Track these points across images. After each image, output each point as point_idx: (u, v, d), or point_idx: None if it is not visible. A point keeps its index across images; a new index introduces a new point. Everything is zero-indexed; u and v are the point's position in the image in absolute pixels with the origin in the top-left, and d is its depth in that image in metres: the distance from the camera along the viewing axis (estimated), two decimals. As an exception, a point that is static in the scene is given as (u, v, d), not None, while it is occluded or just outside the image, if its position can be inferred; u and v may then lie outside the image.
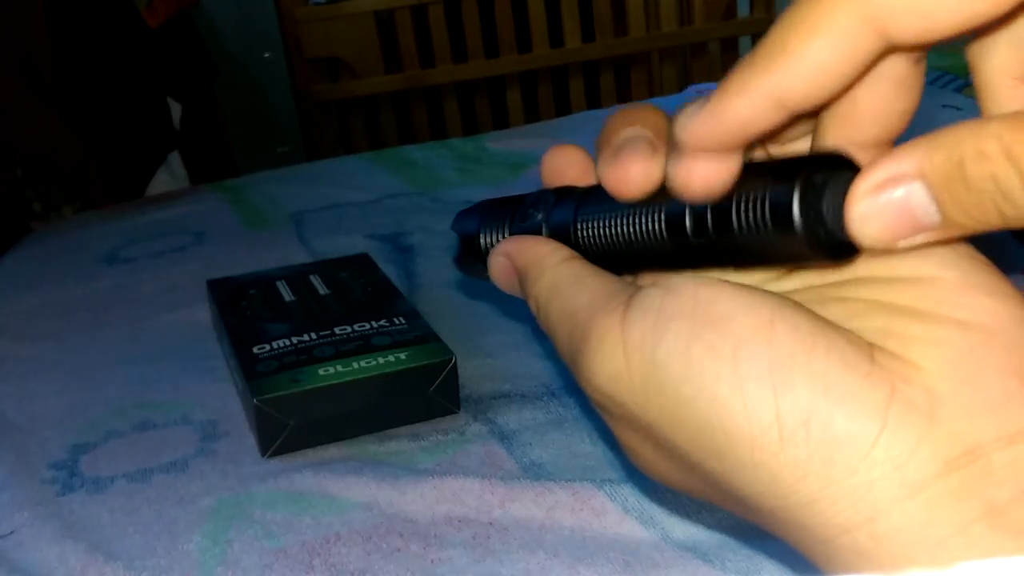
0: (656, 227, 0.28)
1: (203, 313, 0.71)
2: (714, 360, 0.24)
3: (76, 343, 0.70)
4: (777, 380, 0.23)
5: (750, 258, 0.26)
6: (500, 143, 1.08)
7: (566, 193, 0.33)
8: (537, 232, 0.33)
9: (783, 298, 0.25)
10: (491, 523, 0.46)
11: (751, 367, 0.23)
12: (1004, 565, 0.19)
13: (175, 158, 1.56)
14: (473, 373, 0.59)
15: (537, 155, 1.00)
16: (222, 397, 0.59)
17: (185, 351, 0.66)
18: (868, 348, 0.23)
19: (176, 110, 1.58)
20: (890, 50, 0.23)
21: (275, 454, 0.53)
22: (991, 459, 0.22)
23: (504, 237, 0.35)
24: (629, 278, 0.31)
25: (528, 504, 0.46)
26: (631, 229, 0.29)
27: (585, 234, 0.31)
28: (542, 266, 0.31)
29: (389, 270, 0.73)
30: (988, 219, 0.21)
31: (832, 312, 0.25)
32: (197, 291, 0.71)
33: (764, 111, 0.23)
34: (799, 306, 0.24)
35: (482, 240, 0.36)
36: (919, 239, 0.23)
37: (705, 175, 0.25)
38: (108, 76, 1.45)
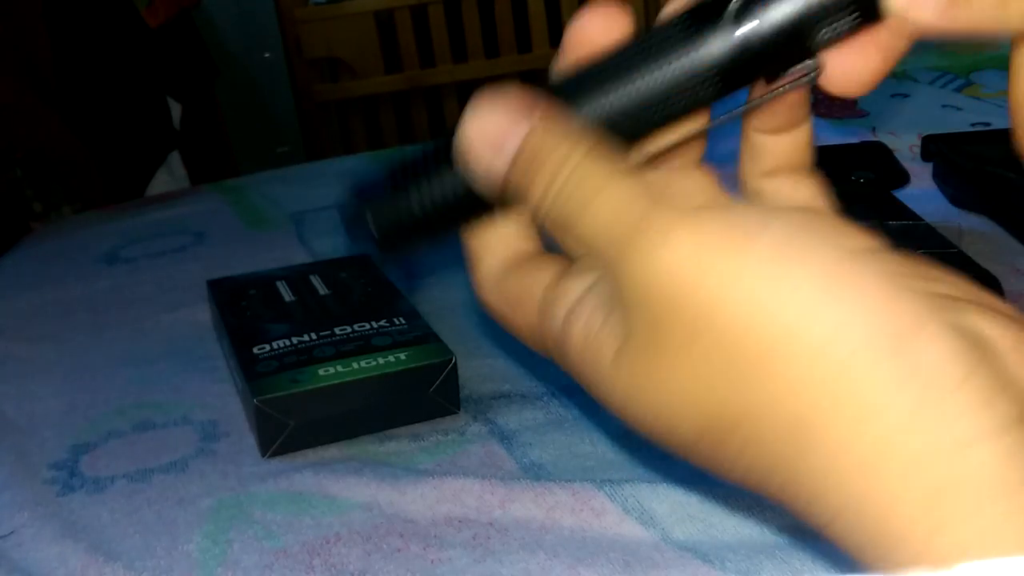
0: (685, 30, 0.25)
1: (203, 313, 0.71)
2: (816, 263, 0.23)
3: (76, 343, 0.70)
4: (886, 293, 0.22)
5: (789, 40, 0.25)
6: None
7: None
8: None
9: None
10: (491, 523, 0.46)
11: (861, 273, 0.23)
12: (1004, 565, 0.19)
13: (175, 158, 1.56)
14: (473, 373, 0.59)
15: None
16: (222, 397, 0.59)
17: (185, 351, 0.66)
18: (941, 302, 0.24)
19: (176, 110, 1.58)
20: None
21: (275, 454, 0.53)
22: None
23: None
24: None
25: (528, 504, 0.46)
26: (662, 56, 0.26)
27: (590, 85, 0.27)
28: (561, 137, 0.26)
29: (389, 270, 0.73)
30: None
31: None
32: (197, 291, 0.71)
33: None
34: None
35: (414, 198, 0.28)
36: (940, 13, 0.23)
37: None
38: (108, 76, 1.45)
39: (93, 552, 0.46)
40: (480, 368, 0.60)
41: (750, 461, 0.24)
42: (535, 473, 0.50)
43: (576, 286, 0.28)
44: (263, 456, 0.53)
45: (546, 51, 1.98)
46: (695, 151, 0.31)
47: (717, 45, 0.25)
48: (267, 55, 2.16)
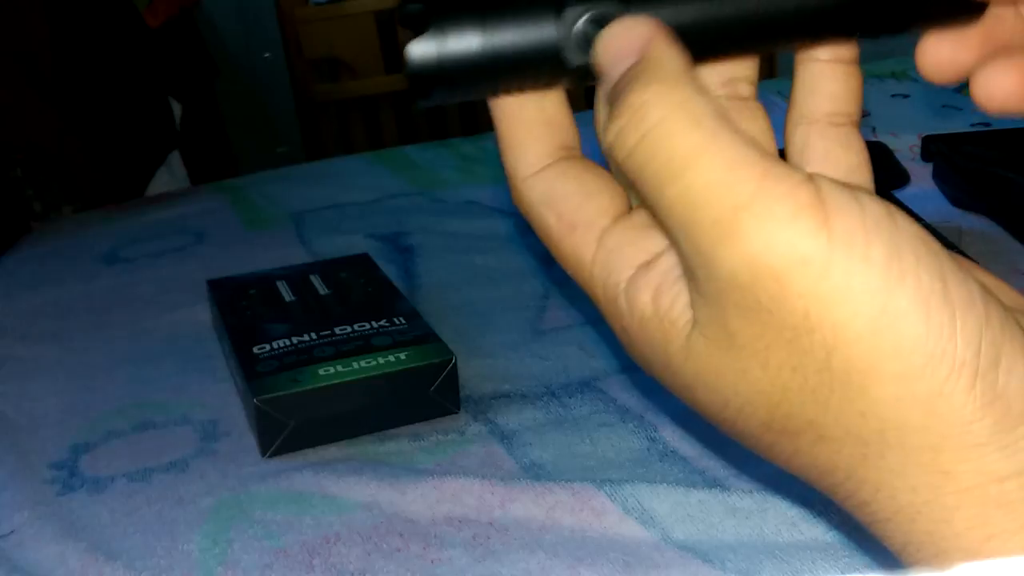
0: None
1: (203, 313, 0.71)
2: (930, 276, 0.22)
3: (76, 343, 0.70)
4: (980, 313, 0.22)
5: None
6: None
7: None
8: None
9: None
10: (491, 523, 0.46)
11: (961, 295, 0.22)
12: (1004, 565, 0.19)
13: (175, 158, 1.56)
14: (473, 373, 0.59)
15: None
16: (222, 397, 0.59)
17: (185, 351, 0.66)
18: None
19: (176, 110, 1.58)
20: None
21: (275, 454, 0.53)
22: None
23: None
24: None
25: (528, 504, 0.46)
26: None
27: None
28: (674, 81, 0.23)
29: (389, 270, 0.73)
30: None
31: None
32: (197, 291, 0.71)
33: None
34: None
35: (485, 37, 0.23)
36: None
37: None
38: (109, 76, 1.45)
39: (93, 552, 0.46)
40: (480, 368, 0.60)
41: (814, 458, 0.24)
42: (535, 473, 0.50)
43: (643, 245, 0.26)
44: (263, 456, 0.53)
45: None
46: (748, 79, 0.29)
47: None
48: (267, 55, 2.16)
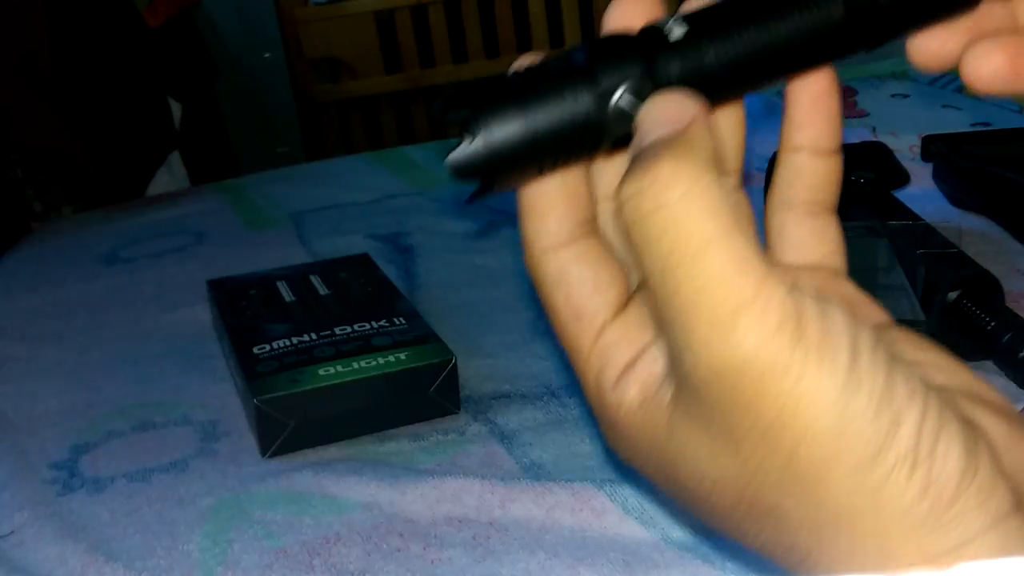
0: None
1: (203, 313, 0.71)
2: (881, 378, 0.24)
3: (76, 343, 0.70)
4: (920, 409, 0.24)
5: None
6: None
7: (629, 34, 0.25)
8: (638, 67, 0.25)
9: None
10: (491, 523, 0.46)
11: (903, 394, 0.24)
12: (1003, 565, 0.20)
13: (175, 158, 1.56)
14: (473, 373, 0.59)
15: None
16: (222, 397, 0.59)
17: (185, 351, 0.66)
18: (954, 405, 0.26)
19: (176, 110, 1.58)
20: None
21: (275, 454, 0.53)
22: None
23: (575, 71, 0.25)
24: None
25: (528, 504, 0.46)
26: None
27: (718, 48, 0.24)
28: (698, 161, 0.23)
29: (389, 270, 0.73)
30: None
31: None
32: (197, 291, 0.71)
33: None
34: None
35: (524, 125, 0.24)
36: None
37: None
38: (108, 76, 1.45)
39: (93, 552, 0.46)
40: (480, 368, 0.60)
41: (776, 538, 0.26)
42: (535, 473, 0.50)
43: (634, 340, 0.28)
44: (263, 456, 0.53)
45: (546, 51, 1.98)
46: (735, 170, 0.30)
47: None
48: (267, 55, 2.16)
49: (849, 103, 1.08)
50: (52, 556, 0.46)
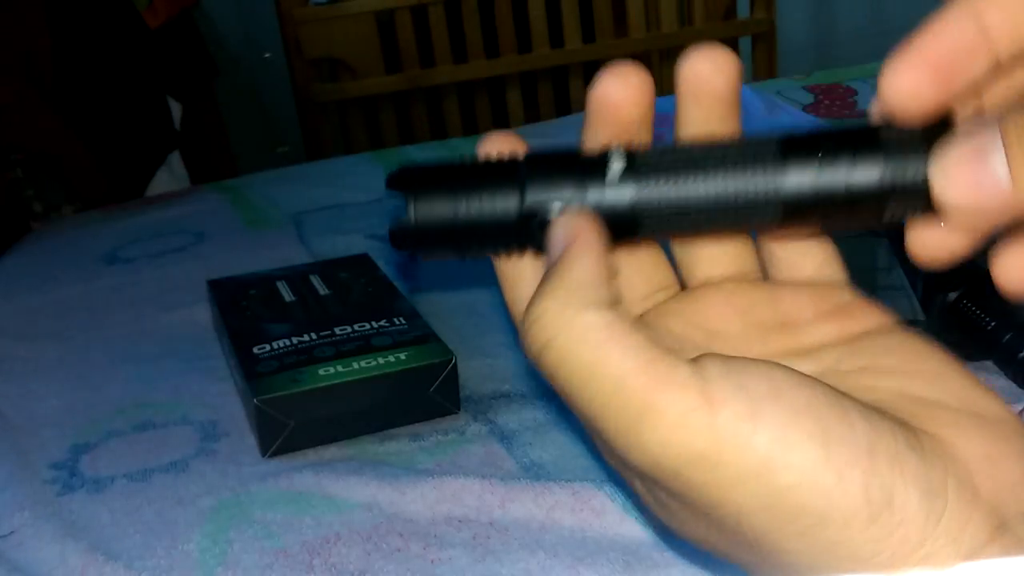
0: (765, 151, 0.26)
1: (203, 313, 0.71)
2: (812, 447, 0.24)
3: (76, 343, 0.70)
4: (865, 464, 0.24)
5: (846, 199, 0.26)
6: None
7: (579, 153, 0.27)
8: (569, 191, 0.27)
9: (836, 389, 0.25)
10: (491, 523, 0.46)
11: (843, 453, 0.24)
12: (1003, 565, 0.20)
13: (175, 158, 1.56)
14: (473, 373, 0.59)
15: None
16: (222, 397, 0.59)
17: (185, 351, 0.66)
18: (914, 430, 0.25)
19: (176, 110, 1.58)
20: None
21: (275, 454, 0.53)
22: (1016, 531, 0.24)
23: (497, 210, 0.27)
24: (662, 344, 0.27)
25: (528, 504, 0.46)
26: (723, 155, 0.26)
27: (652, 191, 0.26)
28: (569, 299, 0.25)
29: (389, 270, 0.73)
30: None
31: (863, 399, 0.26)
32: (197, 291, 0.71)
33: (967, 39, 0.24)
34: (851, 395, 0.25)
35: (447, 211, 0.27)
36: (994, 207, 0.24)
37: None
38: (108, 76, 1.45)
39: (93, 552, 0.46)
40: (480, 368, 0.60)
41: (748, 560, 0.27)
42: (535, 473, 0.50)
43: None
44: (263, 456, 0.53)
45: (546, 51, 1.98)
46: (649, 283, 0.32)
47: (796, 181, 0.26)
48: (267, 55, 2.16)
49: (849, 103, 1.08)
50: (52, 556, 0.46)
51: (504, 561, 0.43)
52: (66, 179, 1.38)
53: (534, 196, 0.27)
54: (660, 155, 0.27)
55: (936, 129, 0.25)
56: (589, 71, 2.06)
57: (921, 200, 0.25)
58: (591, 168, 0.27)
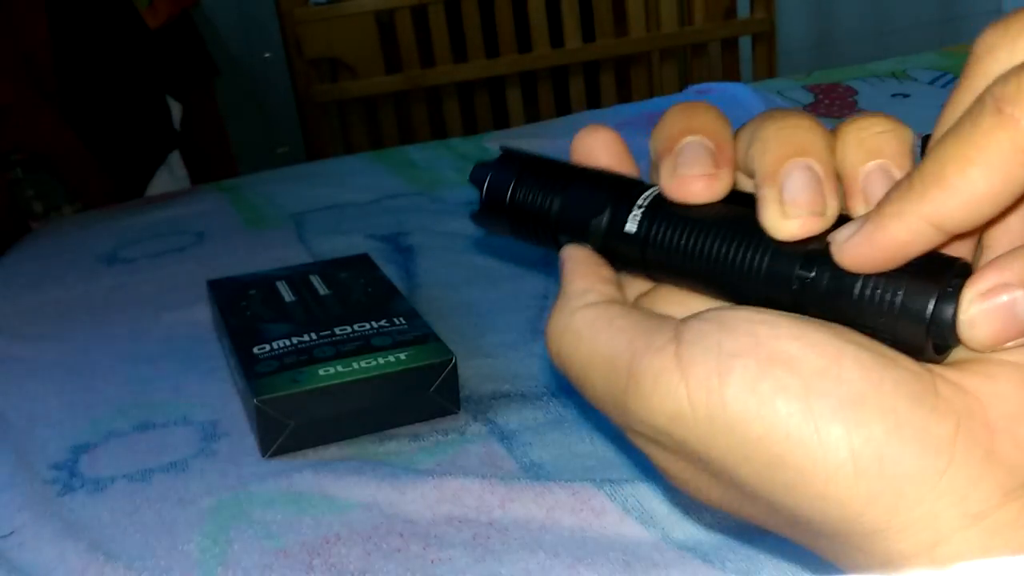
0: (755, 261, 0.27)
1: (203, 313, 0.71)
2: (786, 399, 0.24)
3: (76, 343, 0.70)
4: (850, 417, 0.23)
5: (842, 317, 0.26)
6: (500, 143, 1.08)
7: (626, 190, 0.30)
8: (604, 232, 0.30)
9: (844, 331, 0.25)
10: (491, 523, 0.46)
11: (824, 405, 0.24)
12: (1003, 565, 0.19)
13: (175, 158, 1.56)
14: (473, 373, 0.59)
15: (537, 155, 1.00)
16: (222, 397, 0.59)
17: (185, 351, 0.66)
18: (932, 380, 0.24)
19: (176, 110, 1.58)
20: None
21: (275, 454, 0.53)
22: None
23: (549, 207, 0.32)
24: (661, 311, 0.30)
25: (528, 504, 0.46)
26: (719, 255, 0.28)
27: (656, 248, 0.29)
28: (568, 302, 0.29)
29: (389, 270, 0.73)
30: None
31: None
32: (197, 291, 0.71)
33: (922, 235, 0.24)
34: (862, 339, 0.25)
35: (521, 198, 0.32)
36: (1016, 336, 0.24)
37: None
38: (109, 76, 1.45)
39: (93, 552, 0.46)
40: (480, 368, 0.60)
41: (765, 519, 0.27)
42: (535, 473, 0.50)
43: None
44: (263, 456, 0.53)
45: (546, 51, 1.98)
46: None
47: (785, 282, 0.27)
48: (267, 55, 2.16)
49: (849, 103, 1.08)
50: (52, 556, 0.46)
51: (504, 561, 0.43)
52: (66, 179, 1.38)
53: (563, 227, 0.32)
54: (680, 224, 0.29)
55: (946, 267, 0.25)
56: (589, 71, 2.06)
57: (935, 329, 0.25)
58: (609, 218, 0.30)
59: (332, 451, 0.53)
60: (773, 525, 0.27)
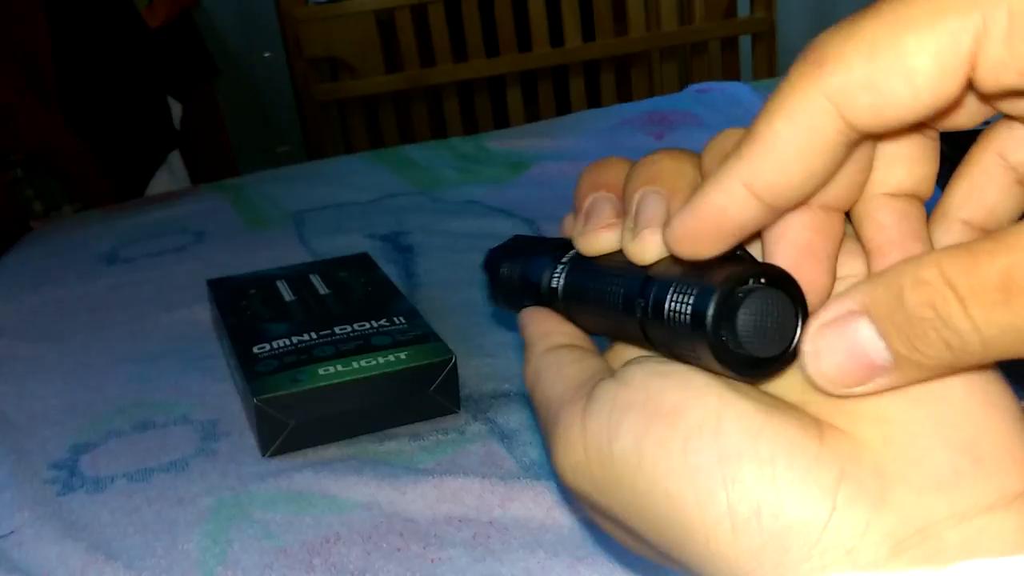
0: (616, 298, 0.28)
1: (203, 313, 0.71)
2: (665, 454, 0.24)
3: (76, 343, 0.70)
4: (726, 471, 0.23)
5: (670, 349, 0.26)
6: (500, 143, 1.08)
7: (564, 251, 0.32)
8: (544, 290, 0.33)
9: (731, 382, 0.24)
10: (491, 523, 0.46)
11: (700, 460, 0.23)
12: (1003, 565, 0.19)
13: (175, 158, 1.56)
14: (473, 373, 0.59)
15: (537, 154, 1.00)
16: (222, 397, 0.59)
17: (185, 351, 0.66)
18: (817, 427, 0.23)
19: (176, 110, 1.58)
20: (860, 137, 0.22)
21: (275, 454, 0.53)
22: (942, 538, 0.22)
23: (517, 279, 0.35)
24: (609, 361, 0.31)
25: (528, 503, 0.46)
26: (601, 295, 0.29)
27: (571, 300, 0.31)
28: (531, 350, 0.31)
29: (389, 270, 0.73)
30: (935, 351, 0.21)
31: (781, 386, 0.25)
32: (197, 291, 0.71)
33: (740, 201, 0.23)
34: (748, 389, 0.24)
35: (505, 273, 0.35)
36: (876, 384, 0.23)
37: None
38: (109, 76, 1.45)
39: (93, 552, 0.46)
40: (480, 368, 0.60)
41: (684, 573, 0.27)
42: (535, 472, 0.50)
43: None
44: (263, 456, 0.53)
45: (546, 51, 1.98)
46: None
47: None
48: (267, 55, 2.16)
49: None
50: (52, 556, 0.46)
51: (504, 561, 0.43)
52: (66, 179, 1.38)
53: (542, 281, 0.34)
54: (584, 275, 0.30)
55: (751, 271, 0.24)
56: (589, 70, 2.06)
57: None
58: (548, 277, 0.33)
59: (332, 451, 0.53)
60: None
